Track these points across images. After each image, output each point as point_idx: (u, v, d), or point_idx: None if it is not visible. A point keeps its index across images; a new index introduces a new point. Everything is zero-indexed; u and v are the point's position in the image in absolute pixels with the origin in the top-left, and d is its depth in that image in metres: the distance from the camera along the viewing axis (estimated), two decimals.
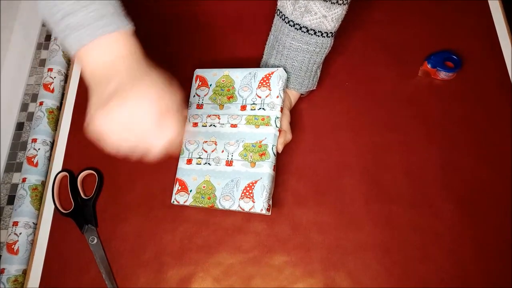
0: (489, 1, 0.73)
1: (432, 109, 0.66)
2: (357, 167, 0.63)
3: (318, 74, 0.64)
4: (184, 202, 0.58)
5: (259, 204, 0.55)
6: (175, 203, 0.59)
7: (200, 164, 0.59)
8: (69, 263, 0.60)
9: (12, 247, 0.65)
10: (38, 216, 0.65)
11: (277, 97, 0.59)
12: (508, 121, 0.65)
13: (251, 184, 0.56)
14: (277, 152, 0.59)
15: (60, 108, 0.79)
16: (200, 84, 0.64)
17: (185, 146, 0.61)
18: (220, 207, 0.57)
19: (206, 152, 0.60)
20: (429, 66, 0.66)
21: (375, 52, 0.71)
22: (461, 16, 0.72)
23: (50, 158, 0.70)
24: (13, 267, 0.64)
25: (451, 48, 0.69)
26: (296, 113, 0.66)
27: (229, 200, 0.56)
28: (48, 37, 0.99)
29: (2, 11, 0.92)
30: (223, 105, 0.61)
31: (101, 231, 0.62)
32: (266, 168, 0.57)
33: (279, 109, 0.59)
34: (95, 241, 0.61)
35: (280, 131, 0.59)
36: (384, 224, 0.60)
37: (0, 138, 0.86)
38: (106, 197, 0.64)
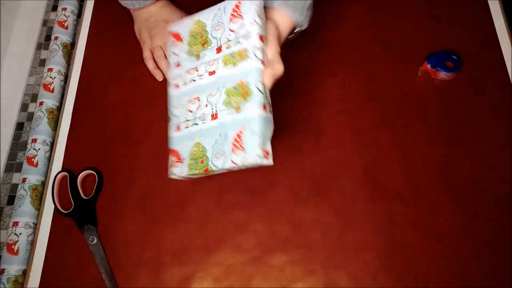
0: (489, 1, 0.73)
1: (432, 109, 0.66)
2: (357, 167, 0.63)
3: (312, 10, 0.57)
4: (180, 173, 0.53)
5: (251, 153, 0.47)
6: (173, 177, 0.54)
7: (188, 127, 0.53)
8: (69, 263, 0.60)
9: (12, 247, 0.65)
10: (38, 216, 0.65)
11: (251, 23, 0.49)
12: (508, 121, 0.65)
13: (239, 133, 0.48)
14: (267, 89, 0.50)
15: (60, 108, 0.79)
16: (174, 41, 0.56)
17: (171, 113, 0.55)
18: (214, 168, 0.50)
19: (191, 112, 0.52)
20: (429, 66, 0.66)
21: (375, 51, 0.71)
22: (461, 16, 0.72)
23: (50, 158, 0.70)
24: (13, 268, 0.64)
25: (451, 48, 0.69)
26: (296, 113, 0.66)
27: (221, 158, 0.49)
28: (48, 37, 0.99)
29: (2, 11, 0.92)
30: (199, 54, 0.53)
31: (101, 231, 0.62)
32: (253, 109, 0.47)
33: (257, 37, 0.49)
34: (95, 241, 0.61)
35: (263, 63, 0.50)
36: (385, 224, 0.60)
37: (0, 138, 0.86)
38: (106, 197, 0.64)
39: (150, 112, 0.69)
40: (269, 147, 0.50)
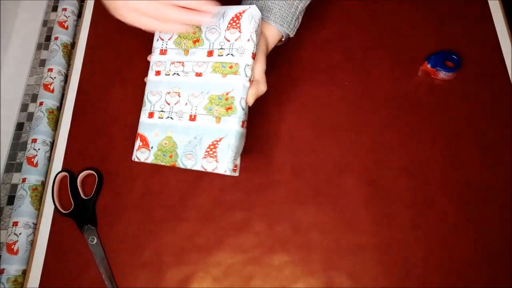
0: (489, 1, 0.73)
1: (432, 109, 0.66)
2: (357, 167, 0.63)
3: (300, 20, 0.60)
4: (145, 160, 0.54)
5: (223, 165, 0.50)
6: (136, 160, 0.55)
7: (162, 118, 0.54)
8: (69, 263, 0.60)
9: (12, 247, 0.65)
10: (38, 216, 0.65)
11: (248, 40, 0.51)
12: (508, 121, 0.65)
13: (215, 142, 0.51)
14: (248, 106, 0.53)
15: (60, 108, 0.79)
16: None
17: (147, 97, 0.56)
18: (182, 166, 0.52)
19: (169, 104, 0.54)
20: (429, 66, 0.66)
21: (375, 52, 0.71)
22: (461, 16, 0.72)
23: (50, 158, 0.70)
24: (13, 267, 0.64)
25: (451, 48, 0.69)
26: (296, 112, 0.66)
27: (191, 159, 0.52)
28: (48, 37, 0.99)
29: (2, 11, 0.92)
30: (188, 50, 0.54)
31: (101, 231, 0.62)
32: (232, 124, 0.50)
33: (250, 55, 0.51)
34: (95, 241, 0.61)
35: (251, 81, 0.52)
36: (384, 224, 0.60)
37: (0, 138, 0.86)
38: (106, 197, 0.64)
39: None
40: (238, 161, 0.54)
